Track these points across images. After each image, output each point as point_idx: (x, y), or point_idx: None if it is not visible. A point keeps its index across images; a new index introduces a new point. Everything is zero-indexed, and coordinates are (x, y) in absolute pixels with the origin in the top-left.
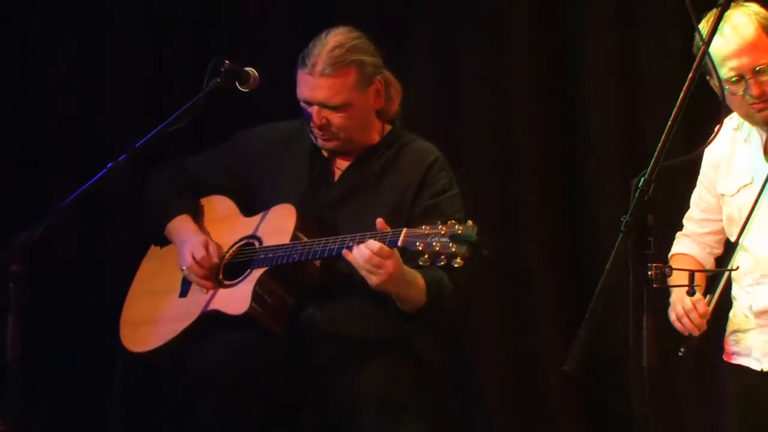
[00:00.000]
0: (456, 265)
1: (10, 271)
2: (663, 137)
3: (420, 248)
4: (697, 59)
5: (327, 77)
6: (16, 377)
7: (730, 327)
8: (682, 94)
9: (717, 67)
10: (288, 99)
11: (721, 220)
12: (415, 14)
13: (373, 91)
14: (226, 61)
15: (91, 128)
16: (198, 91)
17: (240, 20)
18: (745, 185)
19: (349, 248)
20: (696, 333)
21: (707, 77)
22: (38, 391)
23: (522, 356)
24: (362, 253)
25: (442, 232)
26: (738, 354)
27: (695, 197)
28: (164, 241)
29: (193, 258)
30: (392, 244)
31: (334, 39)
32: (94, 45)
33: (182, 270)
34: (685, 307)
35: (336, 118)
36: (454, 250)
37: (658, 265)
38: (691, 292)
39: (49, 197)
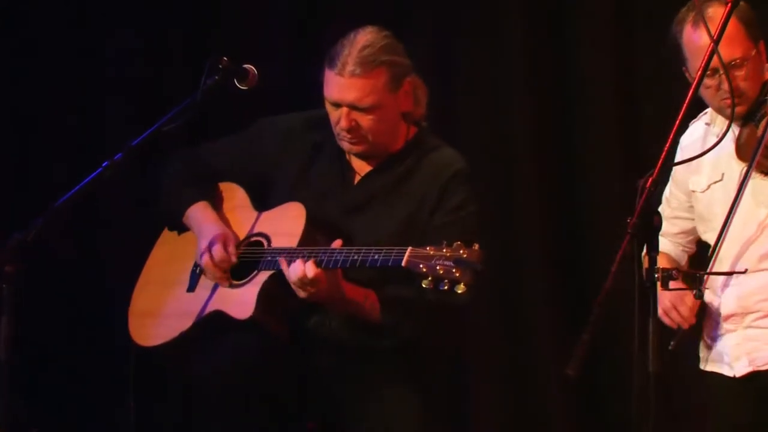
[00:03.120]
0: (459, 291)
1: (3, 272)
2: (670, 137)
3: (423, 270)
4: (704, 58)
5: (358, 77)
6: (6, 378)
7: (702, 334)
8: (689, 94)
9: (692, 59)
10: (286, 98)
11: (692, 219)
12: (413, 15)
13: (403, 93)
14: (224, 58)
15: (89, 127)
16: (196, 88)
17: (239, 18)
18: (716, 182)
19: (354, 262)
20: (685, 326)
21: (683, 68)
22: (38, 392)
23: (522, 360)
24: (294, 271)
25: (447, 255)
26: (710, 361)
27: (666, 194)
28: (178, 227)
29: (211, 257)
30: (396, 263)
31: (364, 38)
32: (91, 44)
33: (198, 259)
34: (672, 300)
35: (365, 121)
36: (457, 275)
37: (665, 267)
38: (698, 296)
39: (47, 196)
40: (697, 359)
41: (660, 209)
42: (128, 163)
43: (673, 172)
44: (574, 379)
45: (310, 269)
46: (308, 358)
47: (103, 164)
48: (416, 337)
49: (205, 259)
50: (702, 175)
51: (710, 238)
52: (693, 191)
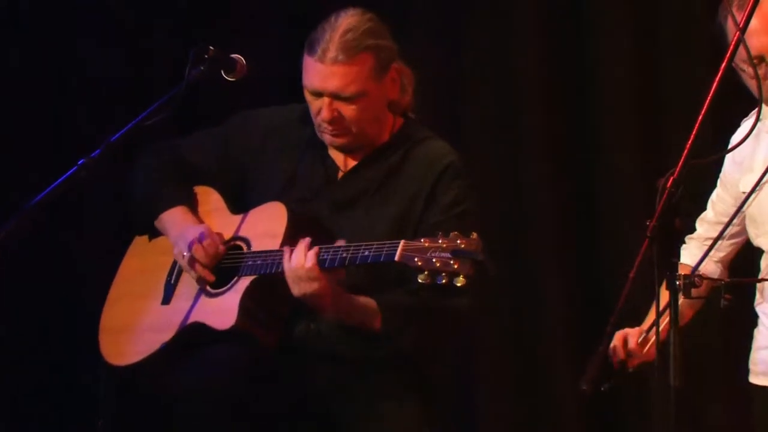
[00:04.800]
0: (459, 284)
1: None
2: (692, 133)
3: (419, 264)
4: (730, 49)
5: (341, 64)
6: None
7: (754, 344)
8: (713, 86)
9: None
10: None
11: (737, 225)
12: (416, 6)
13: (389, 81)
14: (211, 48)
15: (75, 127)
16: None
17: (229, 12)
18: None
19: (344, 260)
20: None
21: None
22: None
23: (533, 374)
24: (295, 259)
25: (444, 246)
26: (761, 373)
27: (713, 197)
28: (150, 232)
29: (202, 247)
30: (388, 258)
31: (347, 22)
32: (81, 40)
33: (180, 258)
34: (616, 342)
35: (349, 111)
36: (456, 267)
37: (687, 273)
38: (722, 304)
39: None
40: (747, 373)
41: (703, 214)
42: (106, 161)
43: (721, 174)
44: (589, 395)
45: (310, 258)
46: (301, 371)
47: (79, 162)
48: (416, 347)
49: (196, 248)
50: (754, 174)
51: (762, 243)
52: (743, 192)
